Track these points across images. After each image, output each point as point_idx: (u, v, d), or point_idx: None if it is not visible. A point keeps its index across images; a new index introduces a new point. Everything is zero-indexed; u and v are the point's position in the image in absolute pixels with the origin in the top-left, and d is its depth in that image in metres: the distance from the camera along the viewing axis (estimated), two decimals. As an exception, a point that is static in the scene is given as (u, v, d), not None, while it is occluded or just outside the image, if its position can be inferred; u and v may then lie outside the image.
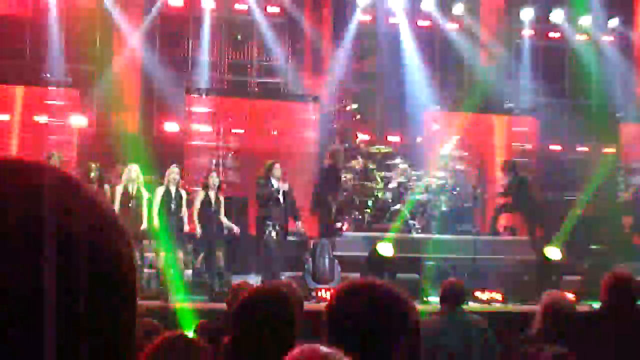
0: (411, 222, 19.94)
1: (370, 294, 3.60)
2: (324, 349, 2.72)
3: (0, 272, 1.14)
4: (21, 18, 21.39)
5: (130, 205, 16.31)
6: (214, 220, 16.80)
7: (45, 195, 1.23)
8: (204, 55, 23.34)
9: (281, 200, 16.79)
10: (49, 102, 21.34)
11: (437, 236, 19.23)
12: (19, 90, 21.31)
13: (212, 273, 16.68)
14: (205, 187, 16.93)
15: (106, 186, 16.78)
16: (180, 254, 16.53)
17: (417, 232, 19.62)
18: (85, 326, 1.20)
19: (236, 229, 17.20)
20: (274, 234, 16.54)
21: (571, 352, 5.38)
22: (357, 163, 21.22)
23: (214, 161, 21.17)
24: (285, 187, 16.99)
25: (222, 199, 17.11)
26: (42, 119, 21.24)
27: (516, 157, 21.51)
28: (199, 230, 16.79)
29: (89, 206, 1.29)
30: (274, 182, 16.72)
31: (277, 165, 17.12)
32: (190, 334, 8.39)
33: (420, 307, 12.64)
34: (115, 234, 1.30)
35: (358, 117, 23.37)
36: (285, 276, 16.31)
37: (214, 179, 17.00)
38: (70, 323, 1.17)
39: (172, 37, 23.53)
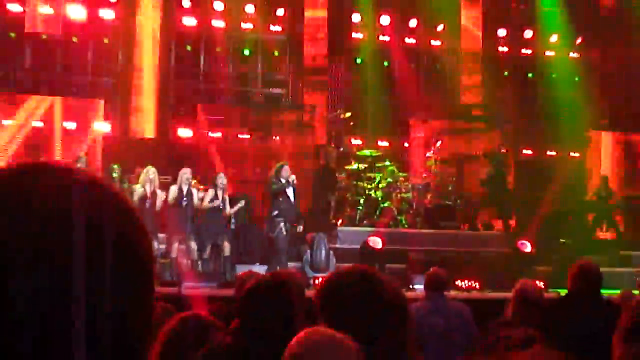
0: (399, 217, 20.08)
1: (359, 279, 3.62)
2: (325, 330, 2.76)
3: (39, 255, 1.18)
4: (52, 35, 21.43)
5: (146, 203, 16.41)
6: (220, 215, 16.91)
7: (76, 192, 1.25)
8: (215, 68, 23.51)
9: (290, 196, 16.89)
10: (77, 110, 21.43)
11: (422, 231, 19.34)
12: (50, 101, 21.36)
13: (220, 262, 16.77)
14: (214, 186, 17.00)
15: (126, 186, 16.86)
16: (191, 246, 16.61)
17: (405, 227, 19.74)
18: (109, 307, 1.23)
19: (242, 203, 17.50)
20: (284, 230, 16.66)
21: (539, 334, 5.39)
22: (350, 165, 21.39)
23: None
24: (293, 177, 17.12)
25: (227, 197, 17.17)
26: (71, 125, 21.32)
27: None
28: (206, 225, 16.94)
29: (113, 202, 1.32)
30: (282, 180, 16.83)
31: (286, 167, 17.20)
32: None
33: (407, 294, 12.70)
34: (135, 227, 1.34)
35: (351, 124, 23.43)
36: (290, 266, 16.45)
37: (221, 179, 17.06)
38: (96, 303, 1.20)
39: (186, 52, 23.61)
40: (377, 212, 20.17)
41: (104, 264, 1.23)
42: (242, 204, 17.50)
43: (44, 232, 1.21)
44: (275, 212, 16.67)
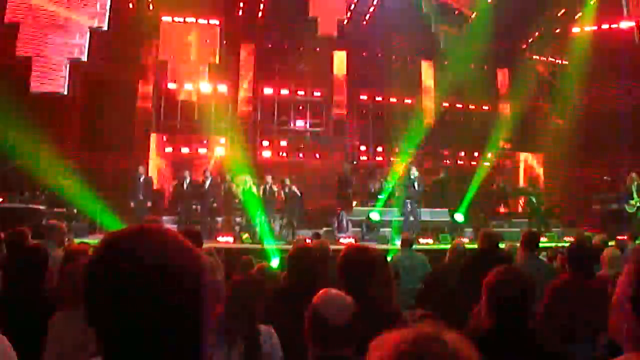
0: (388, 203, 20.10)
1: (359, 251, 3.79)
2: (332, 290, 2.88)
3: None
4: (191, 101, 21.59)
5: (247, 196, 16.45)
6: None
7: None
8: (283, 117, 23.61)
9: (416, 187, 17.09)
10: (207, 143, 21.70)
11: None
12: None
13: (288, 231, 16.78)
14: (284, 185, 17.11)
15: (234, 186, 16.87)
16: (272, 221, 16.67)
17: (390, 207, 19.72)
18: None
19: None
20: (409, 207, 16.89)
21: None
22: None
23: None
24: (416, 174, 17.39)
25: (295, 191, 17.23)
26: (202, 150, 21.58)
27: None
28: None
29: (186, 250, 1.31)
30: (411, 176, 16.98)
31: (414, 169, 17.44)
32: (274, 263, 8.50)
33: (390, 247, 12.81)
34: (195, 259, 1.31)
35: (360, 148, 23.45)
36: (323, 230, 16.35)
37: (287, 181, 17.18)
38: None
39: (267, 106, 23.49)
40: (374, 200, 20.20)
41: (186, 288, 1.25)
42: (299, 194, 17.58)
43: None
44: (406, 196, 16.76)
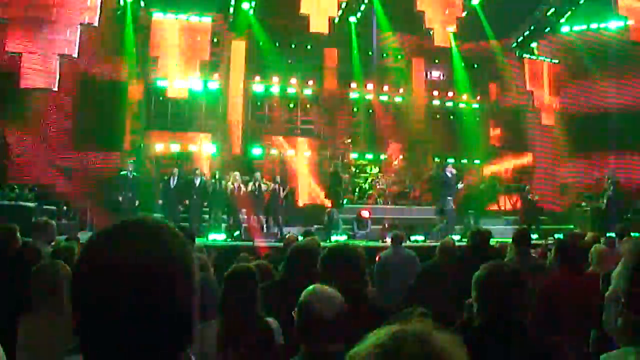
0: (378, 199, 20.08)
1: (343, 249, 3.82)
2: (323, 286, 2.87)
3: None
4: (182, 98, 21.47)
5: (234, 193, 16.36)
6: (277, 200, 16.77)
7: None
8: (273, 114, 23.49)
9: (452, 183, 16.87)
10: (196, 139, 21.59)
11: (391, 206, 19.27)
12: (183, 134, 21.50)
13: (277, 227, 16.73)
14: (274, 182, 17.01)
15: (223, 183, 16.80)
16: (261, 217, 16.61)
17: (381, 204, 19.72)
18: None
19: (288, 190, 17.16)
20: (452, 203, 16.75)
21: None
22: (350, 170, 21.47)
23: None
24: (454, 171, 17.17)
25: (281, 188, 17.08)
26: (193, 148, 21.48)
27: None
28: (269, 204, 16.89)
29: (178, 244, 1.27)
30: (448, 174, 16.75)
31: (450, 166, 17.24)
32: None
33: (380, 244, 12.81)
34: (187, 255, 1.27)
35: (350, 146, 23.38)
36: (315, 228, 16.30)
37: (277, 178, 17.09)
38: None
39: (257, 105, 23.47)
40: (365, 196, 20.21)
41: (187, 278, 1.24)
42: (288, 190, 17.50)
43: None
44: (447, 194, 16.64)
